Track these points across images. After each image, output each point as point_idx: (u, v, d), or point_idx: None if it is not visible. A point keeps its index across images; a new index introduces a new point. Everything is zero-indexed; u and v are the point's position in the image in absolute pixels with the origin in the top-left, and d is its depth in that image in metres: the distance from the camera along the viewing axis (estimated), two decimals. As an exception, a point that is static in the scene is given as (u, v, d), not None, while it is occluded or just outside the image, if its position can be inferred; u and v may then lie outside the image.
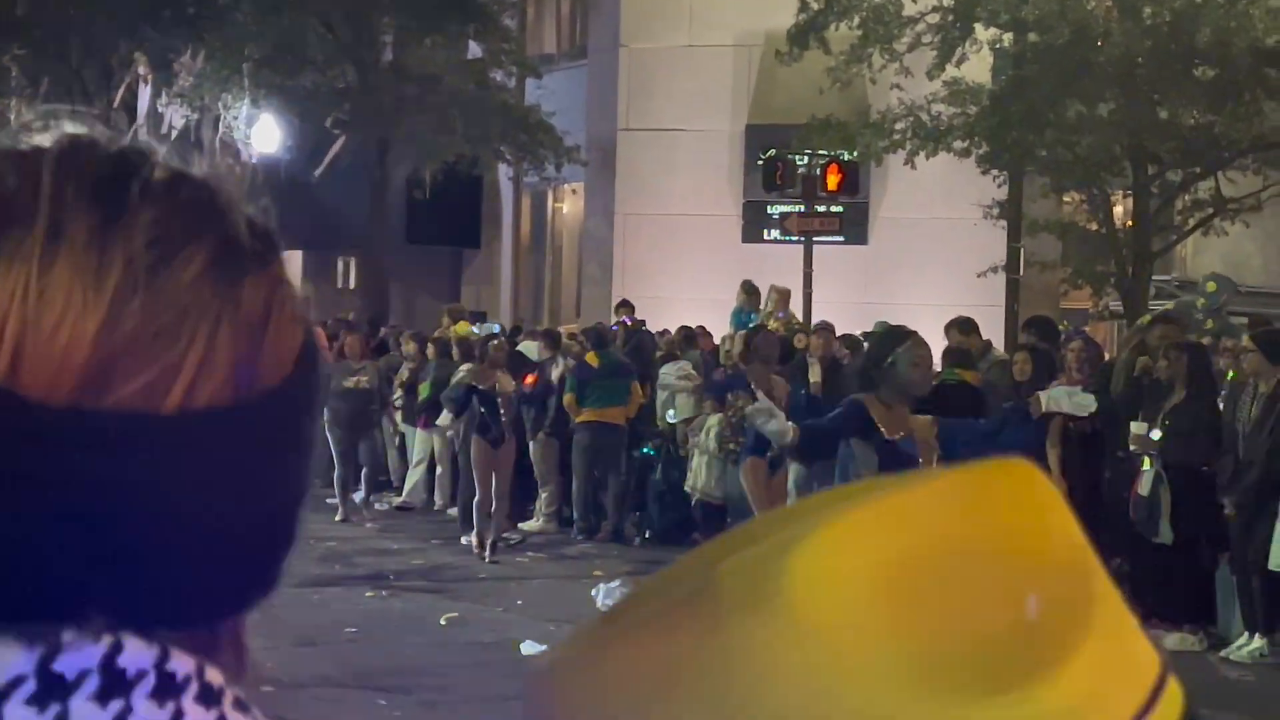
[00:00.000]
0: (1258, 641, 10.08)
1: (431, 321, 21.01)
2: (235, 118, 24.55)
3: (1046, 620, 0.72)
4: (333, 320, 20.76)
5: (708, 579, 0.72)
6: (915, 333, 6.91)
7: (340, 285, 30.80)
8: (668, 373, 15.73)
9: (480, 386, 13.43)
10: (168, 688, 0.70)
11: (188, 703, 0.70)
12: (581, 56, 27.23)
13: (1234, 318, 16.07)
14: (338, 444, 15.77)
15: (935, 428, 6.57)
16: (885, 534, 0.72)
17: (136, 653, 0.69)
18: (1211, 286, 12.17)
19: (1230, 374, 10.91)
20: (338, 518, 15.45)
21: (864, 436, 6.44)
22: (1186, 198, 20.56)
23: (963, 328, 13.50)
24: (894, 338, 6.76)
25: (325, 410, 15.91)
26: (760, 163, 20.81)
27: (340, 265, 31.02)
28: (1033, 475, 0.74)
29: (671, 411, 15.38)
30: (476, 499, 13.58)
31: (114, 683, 0.69)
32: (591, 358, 15.55)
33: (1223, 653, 10.19)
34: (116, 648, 0.69)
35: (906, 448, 6.34)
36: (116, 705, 0.68)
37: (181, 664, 0.71)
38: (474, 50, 26.26)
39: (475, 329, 18.17)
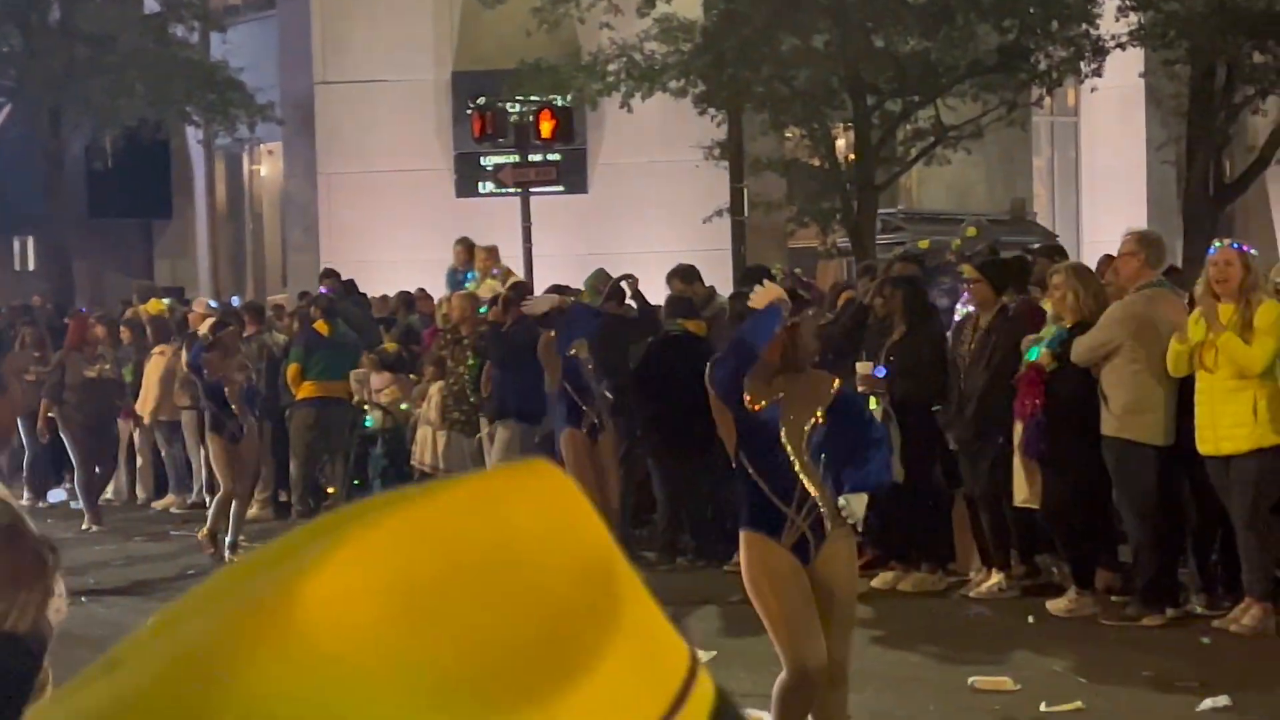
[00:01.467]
0: (995, 576, 10.61)
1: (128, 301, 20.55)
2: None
3: (570, 627, 0.74)
4: (8, 309, 20.14)
5: (219, 612, 0.73)
6: (812, 301, 6.85)
7: (18, 268, 29.84)
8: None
9: (207, 378, 13.00)
10: None
11: None
12: (269, 6, 26.79)
13: (970, 226, 16.67)
14: (78, 442, 15.20)
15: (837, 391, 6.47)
16: (401, 551, 0.73)
17: None
18: (972, 231, 12.64)
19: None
20: (85, 526, 14.94)
21: (727, 397, 6.30)
22: (908, 127, 21.22)
23: (685, 276, 13.77)
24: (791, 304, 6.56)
25: (58, 405, 15.35)
26: (469, 112, 20.79)
27: (16, 246, 30.03)
28: (555, 479, 0.78)
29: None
30: (219, 496, 13.16)
31: None
32: (321, 326, 15.44)
33: (962, 590, 10.70)
34: None
35: (768, 415, 6.23)
36: None
37: None
38: (150, 5, 25.64)
39: (170, 306, 17.81)
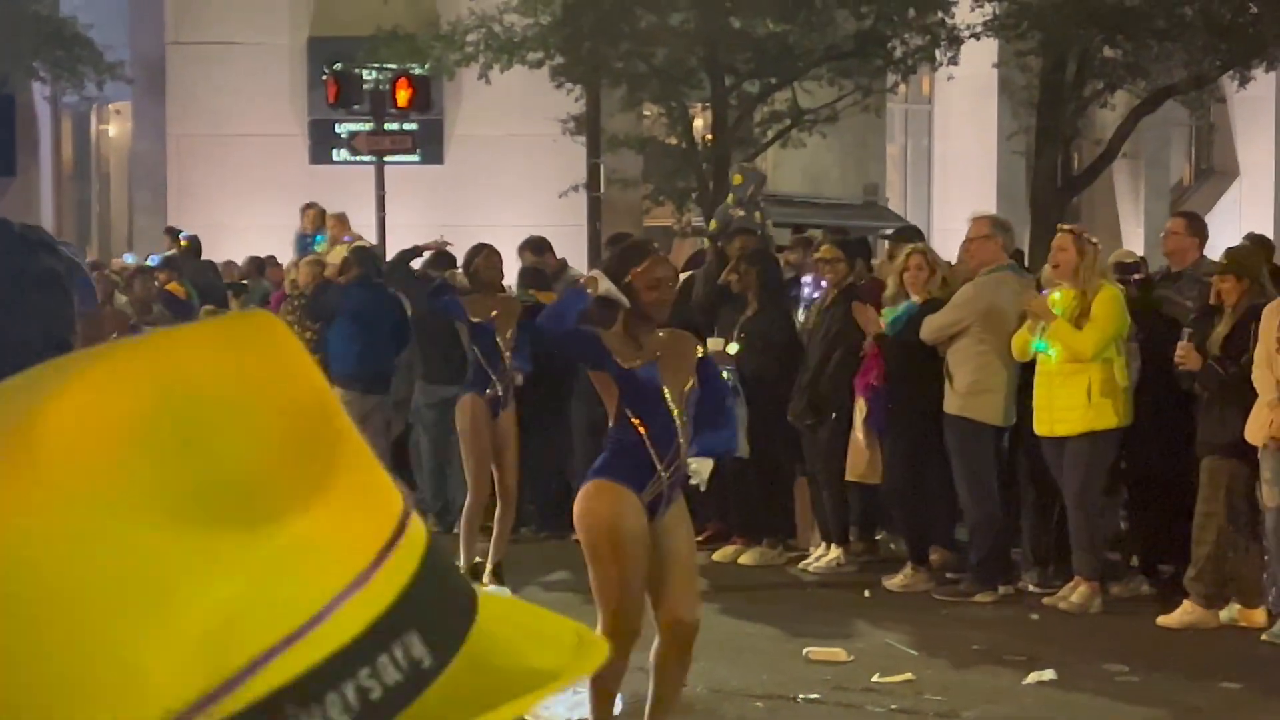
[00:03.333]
0: (834, 552, 10.80)
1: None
2: None
3: (297, 458, 0.79)
4: None
5: None
6: (653, 250, 6.81)
7: None
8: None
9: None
10: None
11: None
12: (121, -38, 26.37)
13: (813, 230, 16.90)
14: None
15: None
16: (142, 380, 0.78)
17: None
18: (737, 179, 12.77)
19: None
20: None
21: (598, 367, 6.32)
22: (764, 109, 21.46)
23: (535, 248, 13.84)
24: (628, 258, 6.54)
25: None
26: (324, 78, 20.65)
27: None
28: (274, 323, 0.82)
29: None
30: None
31: None
32: (176, 288, 15.24)
33: (801, 565, 10.88)
34: None
35: (646, 374, 6.23)
36: None
37: None
38: (-2, -44, 25.12)
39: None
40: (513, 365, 10.77)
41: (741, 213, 12.01)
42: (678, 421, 6.26)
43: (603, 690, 6.39)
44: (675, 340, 6.46)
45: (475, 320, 10.56)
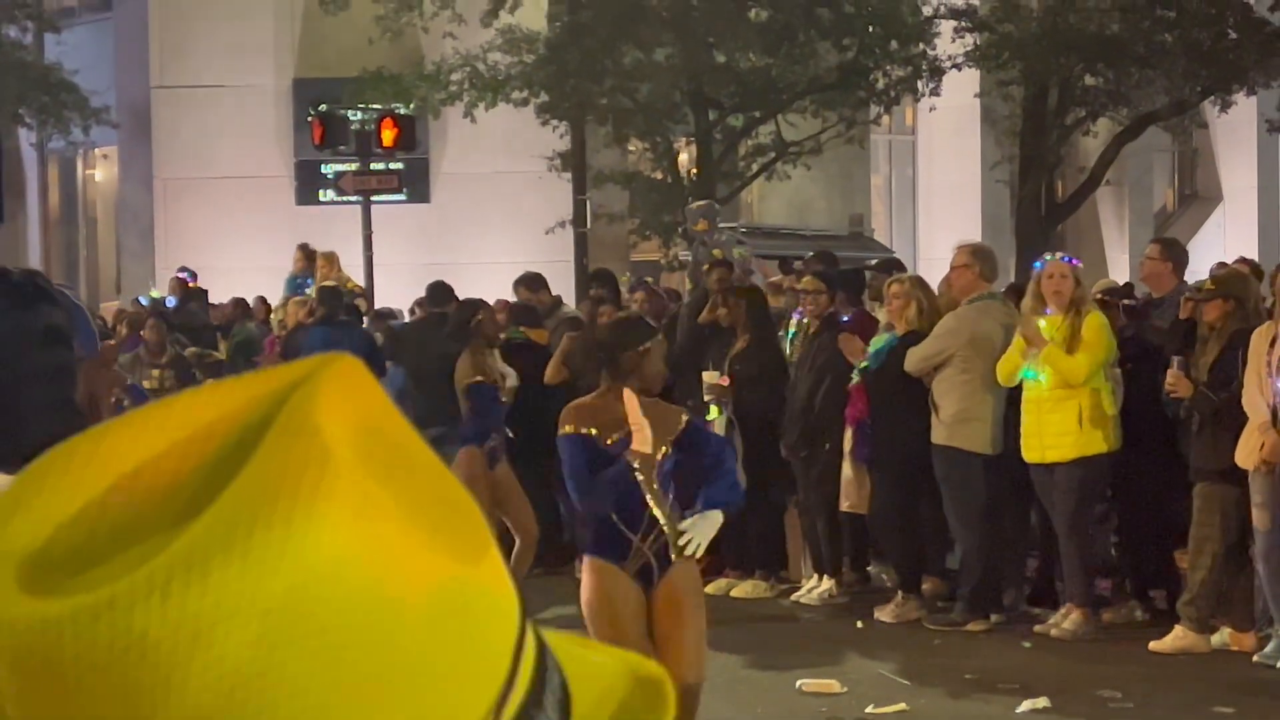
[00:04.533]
0: (826, 583, 10.79)
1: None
2: None
3: (473, 512, 0.82)
4: None
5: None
6: (656, 331, 6.75)
7: None
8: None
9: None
10: None
11: None
12: (106, 8, 26.42)
13: (798, 261, 16.96)
14: None
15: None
16: (351, 407, 0.78)
17: None
18: (701, 225, 12.90)
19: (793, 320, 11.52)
20: None
21: (594, 467, 6.19)
22: (749, 142, 21.53)
23: (530, 285, 13.89)
24: (632, 335, 6.45)
25: None
26: (310, 119, 20.69)
27: None
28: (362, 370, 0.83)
29: None
30: None
31: None
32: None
33: (794, 596, 10.87)
34: None
35: (617, 450, 6.12)
36: None
37: None
38: (-17, 3, 25.15)
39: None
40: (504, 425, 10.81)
41: (719, 251, 12.08)
42: (646, 492, 6.13)
43: None
44: (659, 411, 6.34)
45: (478, 377, 10.59)
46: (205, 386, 0.81)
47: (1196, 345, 9.28)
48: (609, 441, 6.18)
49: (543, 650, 0.83)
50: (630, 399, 6.07)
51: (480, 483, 10.19)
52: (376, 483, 0.76)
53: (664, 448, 6.28)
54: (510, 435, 10.65)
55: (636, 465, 6.10)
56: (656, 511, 6.20)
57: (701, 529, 6.28)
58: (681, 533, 6.23)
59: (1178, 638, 9.18)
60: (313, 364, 0.81)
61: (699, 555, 6.41)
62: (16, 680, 0.74)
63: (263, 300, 17.79)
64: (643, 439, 6.03)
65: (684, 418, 6.50)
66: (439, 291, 13.58)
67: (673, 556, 6.26)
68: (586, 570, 6.33)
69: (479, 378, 10.43)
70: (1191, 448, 9.24)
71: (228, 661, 0.72)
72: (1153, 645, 9.25)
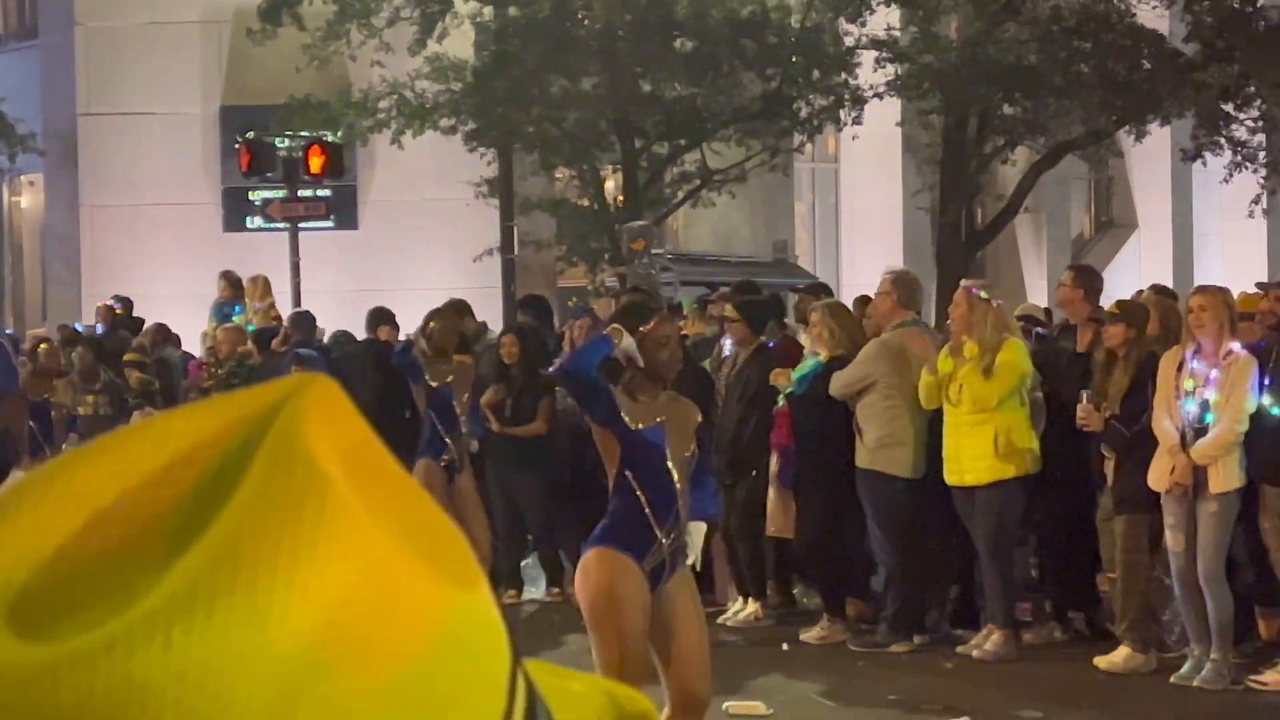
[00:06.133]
0: (751, 606, 10.84)
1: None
2: None
3: (457, 536, 0.77)
4: None
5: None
6: (659, 309, 6.56)
7: None
8: None
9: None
10: None
11: None
12: (33, 36, 26.23)
13: (724, 287, 17.07)
14: None
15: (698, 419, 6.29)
16: (334, 423, 0.74)
17: None
18: (639, 245, 13.03)
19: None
20: None
21: (606, 424, 6.05)
22: (674, 170, 21.62)
23: (456, 311, 13.90)
24: (635, 315, 6.27)
25: None
26: (237, 146, 20.61)
27: None
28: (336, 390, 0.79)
29: None
30: None
31: None
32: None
33: (719, 619, 10.90)
34: None
35: (653, 437, 6.01)
36: None
37: None
38: (-93, 30, 24.92)
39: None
40: (469, 432, 10.78)
41: (654, 271, 12.14)
42: (678, 486, 6.03)
43: None
44: (678, 405, 6.23)
45: (432, 384, 10.57)
46: (176, 411, 0.76)
47: (1099, 372, 9.41)
48: (637, 427, 6.01)
49: (529, 681, 0.79)
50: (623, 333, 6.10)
51: (439, 496, 10.13)
52: (371, 512, 0.72)
53: (691, 445, 6.18)
54: (473, 449, 10.64)
55: (670, 462, 6.00)
56: (682, 509, 6.05)
57: (693, 538, 6.22)
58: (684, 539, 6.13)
59: (1128, 658, 9.26)
60: (288, 386, 0.76)
61: (696, 564, 6.36)
62: None
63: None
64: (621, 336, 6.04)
65: (698, 416, 6.36)
66: (373, 317, 13.62)
67: (680, 561, 6.10)
68: (596, 560, 6.02)
69: (433, 383, 10.43)
70: (1117, 478, 9.34)
71: (238, 712, 0.68)
72: (1099, 661, 9.31)
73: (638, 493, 6.02)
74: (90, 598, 0.70)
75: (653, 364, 6.10)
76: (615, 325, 6.19)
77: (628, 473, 6.05)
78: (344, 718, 0.70)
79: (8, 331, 19.59)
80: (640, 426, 6.01)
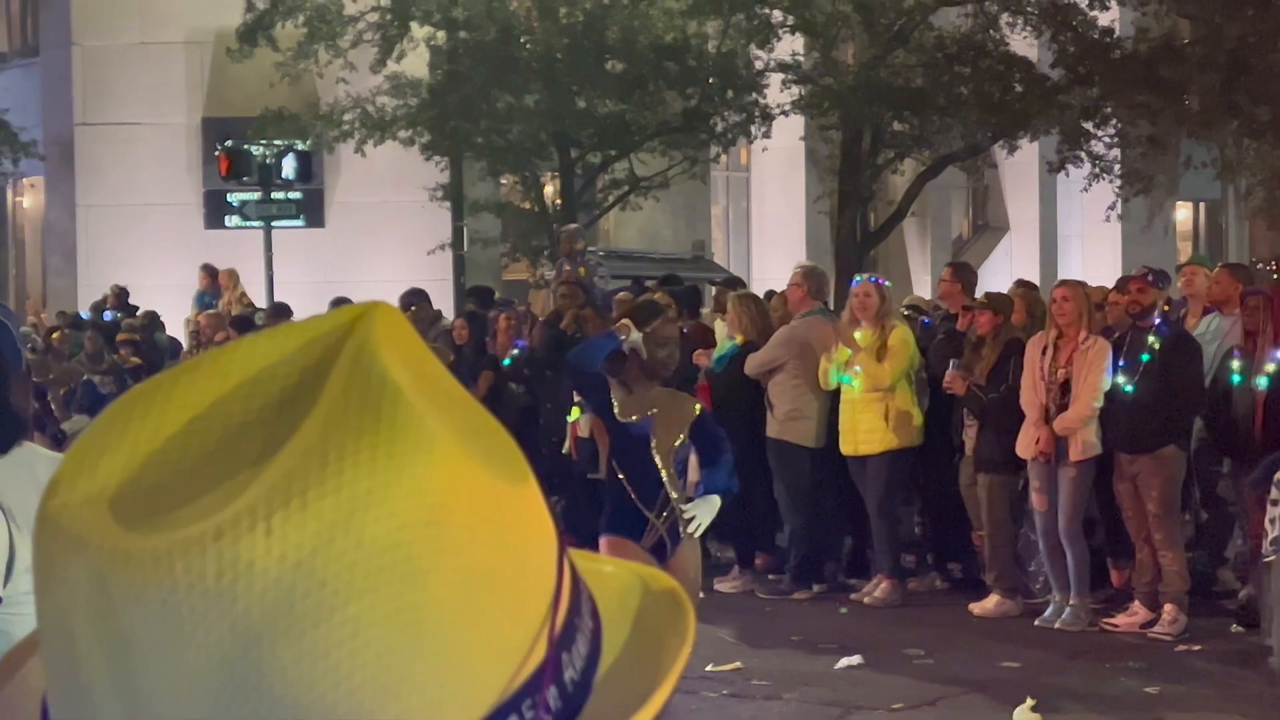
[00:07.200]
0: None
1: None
2: None
3: (509, 439, 0.78)
4: None
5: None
6: (663, 311, 6.41)
7: None
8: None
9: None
10: None
11: None
12: (34, 55, 25.87)
13: (649, 280, 17.07)
14: None
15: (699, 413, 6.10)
16: (401, 345, 0.75)
17: None
18: (581, 244, 13.04)
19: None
20: None
21: (598, 412, 5.96)
22: (606, 178, 21.59)
23: (415, 299, 13.88)
24: (640, 315, 6.19)
25: None
26: (217, 154, 20.43)
27: None
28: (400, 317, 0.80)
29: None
30: None
31: None
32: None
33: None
34: None
35: (638, 430, 5.90)
36: None
37: None
38: (-80, 47, 24.51)
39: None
40: None
41: (584, 270, 12.14)
42: (663, 474, 5.94)
43: None
44: (673, 400, 6.12)
45: None
46: (259, 334, 0.77)
47: (969, 351, 9.51)
48: (627, 419, 5.91)
49: (571, 562, 0.79)
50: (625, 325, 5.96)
51: None
52: (438, 417, 0.73)
53: (681, 435, 6.07)
54: None
55: (655, 450, 5.87)
56: (670, 491, 5.99)
57: (703, 511, 6.10)
58: (688, 516, 6.04)
59: (998, 603, 9.35)
60: (358, 310, 0.77)
61: (699, 534, 6.22)
62: (116, 619, 0.69)
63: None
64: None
65: (696, 407, 6.21)
66: (335, 306, 13.50)
67: (682, 533, 6.04)
68: (606, 549, 5.92)
69: None
70: (978, 444, 9.44)
71: (331, 590, 0.68)
72: (973, 607, 9.39)
73: (621, 479, 5.99)
74: (195, 492, 0.70)
75: (651, 359, 6.03)
76: (624, 321, 6.07)
77: (614, 461, 6.03)
78: (419, 593, 0.70)
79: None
80: (633, 418, 5.92)
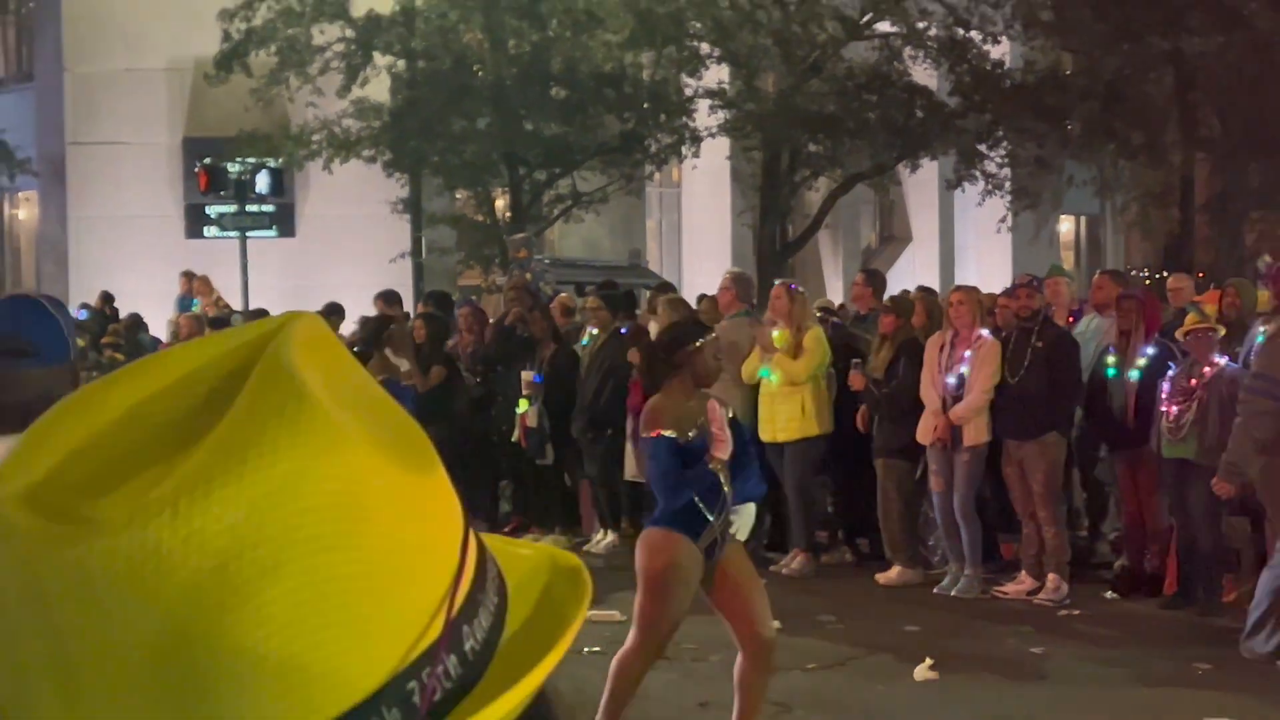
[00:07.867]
0: (610, 536, 10.86)
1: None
2: None
3: (420, 433, 0.77)
4: None
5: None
6: (708, 329, 6.05)
7: None
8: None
9: None
10: None
11: None
12: (29, 79, 25.55)
13: (589, 285, 17.03)
14: None
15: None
16: (314, 353, 0.75)
17: None
18: (523, 254, 13.04)
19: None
20: None
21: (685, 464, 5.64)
22: (551, 193, 21.56)
23: (388, 299, 13.74)
24: (690, 333, 5.89)
25: None
26: (197, 170, 20.28)
27: None
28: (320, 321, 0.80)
29: None
30: None
31: None
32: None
33: (585, 548, 10.92)
34: None
35: (700, 443, 5.62)
36: None
37: None
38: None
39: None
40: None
41: (530, 275, 12.12)
42: (721, 475, 5.71)
43: (622, 693, 5.78)
44: (710, 403, 5.82)
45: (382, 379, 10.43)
46: (190, 342, 0.78)
47: (873, 350, 9.59)
48: (689, 436, 5.64)
49: (481, 546, 0.79)
50: (715, 409, 5.64)
51: None
52: (347, 412, 0.72)
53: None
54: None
55: (717, 469, 5.66)
56: (728, 492, 5.72)
57: (743, 518, 5.89)
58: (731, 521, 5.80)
59: (901, 574, 9.42)
60: (281, 320, 0.77)
61: (740, 536, 5.91)
62: (43, 603, 0.69)
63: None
64: (724, 448, 5.63)
65: (727, 409, 5.93)
66: (325, 312, 13.39)
67: (732, 535, 5.79)
68: (661, 539, 5.64)
69: (384, 376, 10.33)
70: (876, 432, 9.50)
71: (232, 570, 0.69)
72: (879, 577, 9.45)
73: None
74: (116, 484, 0.71)
75: (701, 373, 5.76)
76: (717, 457, 5.72)
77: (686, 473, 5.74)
78: (331, 574, 0.70)
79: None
80: (691, 436, 5.67)
